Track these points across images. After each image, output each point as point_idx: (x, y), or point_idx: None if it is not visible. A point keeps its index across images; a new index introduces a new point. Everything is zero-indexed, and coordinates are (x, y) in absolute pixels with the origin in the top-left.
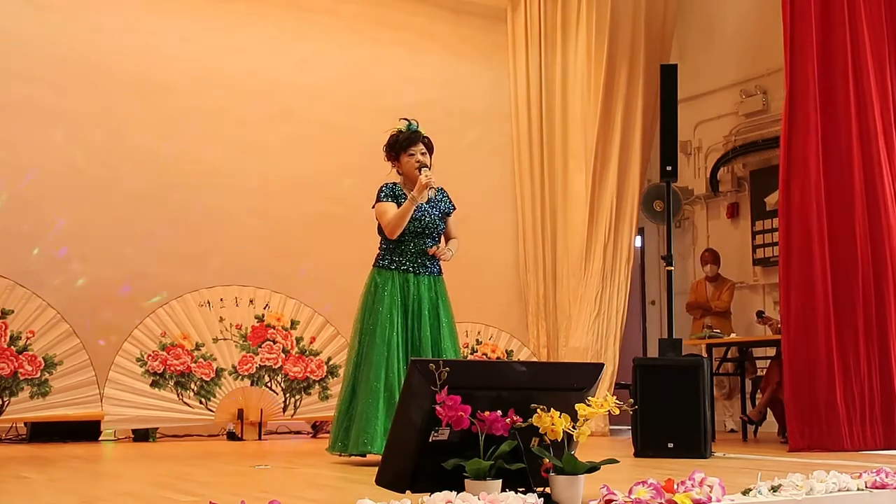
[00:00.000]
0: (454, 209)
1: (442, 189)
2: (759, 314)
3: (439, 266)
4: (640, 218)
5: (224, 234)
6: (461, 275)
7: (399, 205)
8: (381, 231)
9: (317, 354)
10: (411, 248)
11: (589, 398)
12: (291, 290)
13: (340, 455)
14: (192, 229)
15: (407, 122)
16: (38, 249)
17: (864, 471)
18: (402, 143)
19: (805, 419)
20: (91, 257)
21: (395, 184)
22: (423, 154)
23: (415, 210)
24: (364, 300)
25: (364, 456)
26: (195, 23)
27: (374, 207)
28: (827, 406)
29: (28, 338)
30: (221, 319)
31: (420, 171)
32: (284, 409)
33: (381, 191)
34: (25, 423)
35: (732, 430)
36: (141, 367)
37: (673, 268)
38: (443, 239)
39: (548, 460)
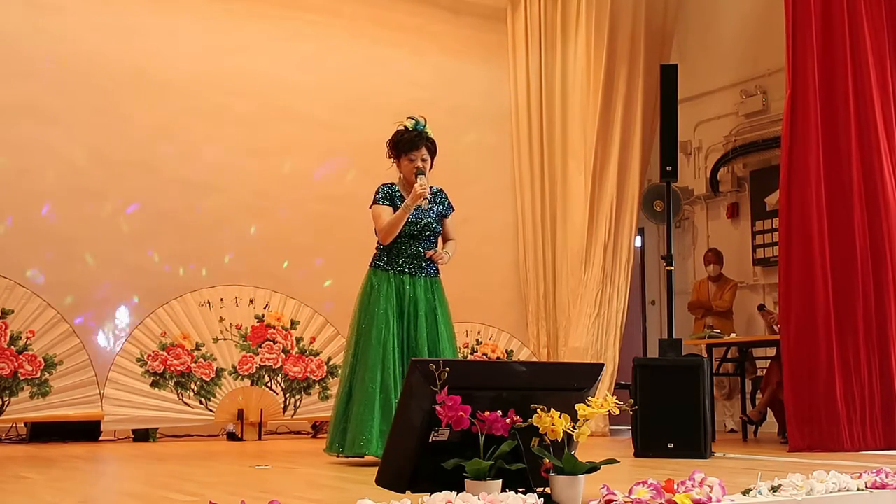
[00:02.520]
0: (452, 211)
1: (441, 190)
2: (761, 307)
3: (436, 267)
4: (640, 218)
5: (224, 234)
6: (461, 275)
7: (395, 206)
8: (377, 232)
9: (317, 354)
10: (407, 249)
11: (589, 398)
12: (291, 290)
13: (337, 456)
14: (192, 229)
15: (414, 121)
16: (39, 249)
17: (864, 471)
18: (404, 146)
19: (805, 419)
20: (91, 257)
21: (392, 184)
22: (423, 160)
23: (411, 211)
24: (360, 301)
25: (361, 457)
26: (195, 23)
27: (370, 208)
28: (827, 406)
29: (28, 338)
30: (221, 319)
31: (416, 177)
32: (284, 410)
33: (377, 192)
34: (25, 423)
35: (732, 431)
36: (141, 367)
37: (673, 268)
38: (440, 240)
39: (548, 460)
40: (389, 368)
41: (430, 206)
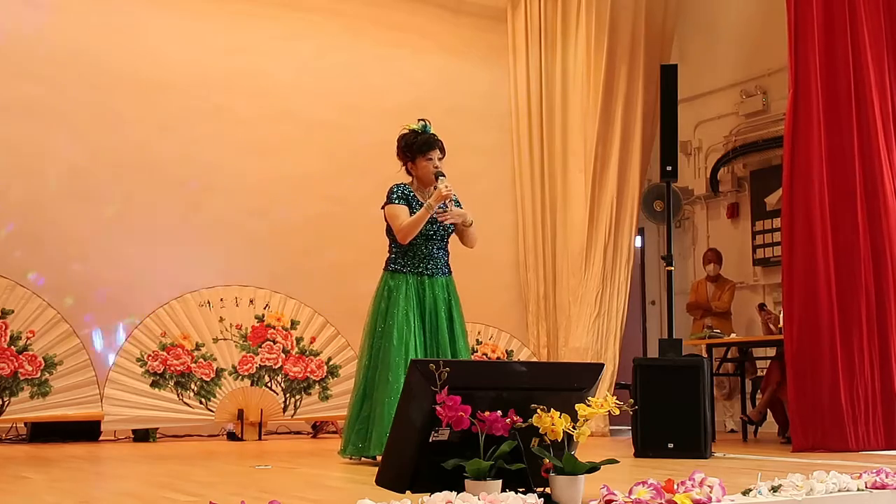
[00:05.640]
0: (461, 208)
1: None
2: (761, 306)
3: (449, 266)
4: (640, 218)
5: (224, 234)
6: (461, 274)
7: (410, 207)
8: (390, 233)
9: (317, 354)
10: (422, 250)
11: (589, 398)
12: (291, 290)
13: (351, 458)
14: (192, 229)
15: (423, 124)
16: (39, 249)
17: (864, 471)
18: (421, 146)
19: (809, 419)
20: (91, 257)
21: (406, 185)
22: (439, 159)
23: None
24: (376, 304)
25: (375, 459)
26: (195, 23)
27: (383, 208)
28: (831, 406)
29: (28, 338)
30: (221, 319)
31: (437, 178)
32: (284, 410)
33: (392, 192)
34: (25, 423)
35: (732, 431)
36: (141, 367)
37: (673, 268)
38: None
39: (548, 460)
40: None
41: (443, 205)
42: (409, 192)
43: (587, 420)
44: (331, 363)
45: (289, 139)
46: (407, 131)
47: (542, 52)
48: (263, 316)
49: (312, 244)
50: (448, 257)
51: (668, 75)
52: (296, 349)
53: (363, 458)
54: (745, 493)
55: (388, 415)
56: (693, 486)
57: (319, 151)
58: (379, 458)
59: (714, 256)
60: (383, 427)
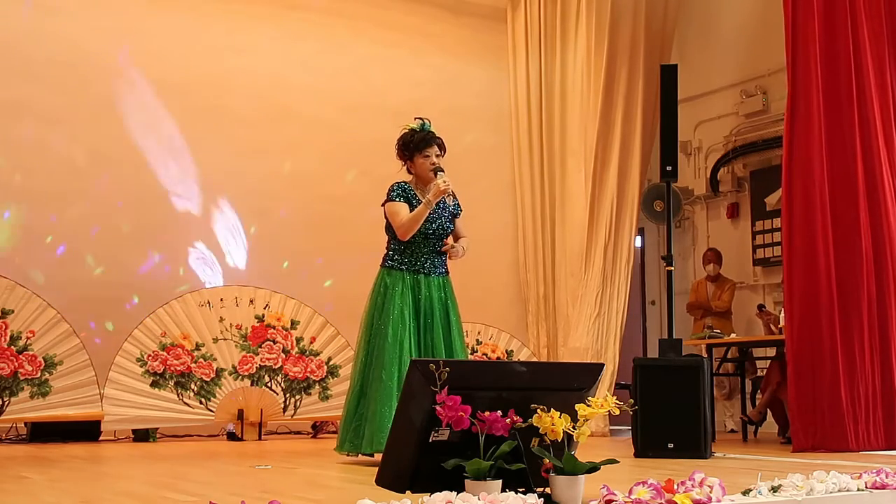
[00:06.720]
0: (461, 211)
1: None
2: (760, 307)
3: (447, 266)
4: (640, 218)
5: (224, 234)
6: (461, 275)
7: (411, 204)
8: (389, 230)
9: (317, 354)
10: (421, 248)
11: (589, 398)
12: (291, 290)
13: (348, 455)
14: (192, 229)
15: (421, 122)
16: (38, 249)
17: (864, 471)
18: (418, 144)
19: (809, 419)
20: (91, 257)
21: (406, 184)
22: (437, 156)
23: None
24: (373, 301)
25: (372, 456)
26: (195, 23)
27: (383, 206)
28: (831, 406)
29: (28, 338)
30: (221, 319)
31: (436, 174)
32: (284, 410)
33: (392, 190)
34: (25, 423)
35: (732, 431)
36: (141, 367)
37: (673, 268)
38: (450, 239)
39: (548, 460)
40: (407, 366)
41: (442, 204)
42: (410, 190)
43: (587, 420)
44: (331, 363)
45: (289, 139)
46: (406, 131)
47: (542, 52)
48: (263, 316)
49: (312, 244)
50: (446, 257)
51: (668, 75)
52: (296, 349)
53: (360, 455)
54: (745, 493)
55: (380, 412)
56: (693, 486)
57: (319, 151)
58: (376, 455)
59: (714, 256)
60: (376, 425)
